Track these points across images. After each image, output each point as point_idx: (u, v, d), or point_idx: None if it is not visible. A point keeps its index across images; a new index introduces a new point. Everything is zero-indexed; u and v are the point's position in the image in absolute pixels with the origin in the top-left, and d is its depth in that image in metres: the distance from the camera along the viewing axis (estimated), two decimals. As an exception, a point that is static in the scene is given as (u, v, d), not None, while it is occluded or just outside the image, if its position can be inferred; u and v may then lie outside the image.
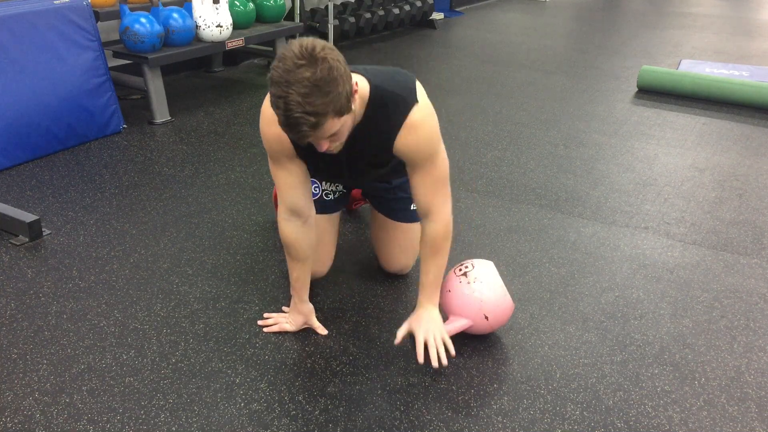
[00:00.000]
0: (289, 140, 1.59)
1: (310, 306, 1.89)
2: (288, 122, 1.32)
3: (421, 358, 1.67)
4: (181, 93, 4.04)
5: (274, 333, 1.88)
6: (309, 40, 1.32)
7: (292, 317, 1.89)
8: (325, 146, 1.43)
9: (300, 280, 1.83)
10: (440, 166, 1.64)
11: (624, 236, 2.48)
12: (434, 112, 1.62)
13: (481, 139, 3.43)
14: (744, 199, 2.82)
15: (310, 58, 1.29)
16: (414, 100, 1.56)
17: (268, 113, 1.59)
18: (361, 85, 1.52)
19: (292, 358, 1.79)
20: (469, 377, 1.74)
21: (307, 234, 1.78)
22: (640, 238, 2.47)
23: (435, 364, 1.67)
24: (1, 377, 1.68)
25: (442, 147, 1.65)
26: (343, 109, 1.35)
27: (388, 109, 1.55)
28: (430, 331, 1.71)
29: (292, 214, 1.73)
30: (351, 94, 1.37)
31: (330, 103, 1.31)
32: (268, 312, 1.96)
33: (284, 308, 1.97)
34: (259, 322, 1.92)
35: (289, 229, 1.75)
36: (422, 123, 1.57)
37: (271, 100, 1.33)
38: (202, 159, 3.07)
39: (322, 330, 1.89)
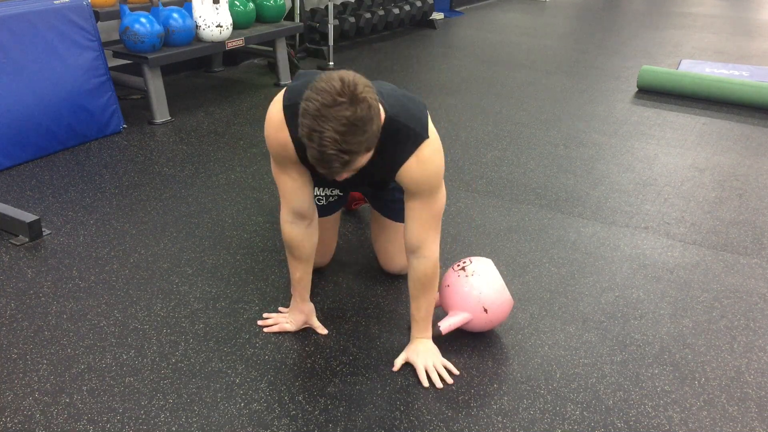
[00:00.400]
0: (293, 147, 1.59)
1: (311, 306, 1.90)
2: (322, 158, 1.31)
3: (425, 383, 1.70)
4: (181, 93, 4.04)
5: (274, 333, 1.88)
6: (351, 76, 1.31)
7: (293, 317, 1.89)
8: (344, 176, 1.43)
9: (303, 280, 1.83)
10: (438, 201, 1.65)
11: (624, 236, 2.48)
12: (442, 149, 1.63)
13: (481, 139, 3.43)
14: (744, 199, 2.82)
15: (352, 96, 1.28)
16: (425, 135, 1.57)
17: (275, 119, 1.59)
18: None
19: (292, 358, 1.79)
20: (469, 377, 1.74)
21: (312, 236, 1.79)
22: (640, 238, 2.47)
23: (439, 384, 1.70)
24: (1, 377, 1.68)
25: (443, 185, 1.66)
26: (372, 145, 1.37)
27: (400, 140, 1.55)
28: (429, 359, 1.74)
29: (296, 216, 1.74)
30: (380, 128, 1.38)
31: (364, 142, 1.32)
32: (268, 312, 1.97)
33: (281, 308, 1.97)
34: (259, 322, 1.92)
35: (293, 231, 1.76)
36: (431, 159, 1.58)
37: (302, 131, 1.31)
38: (202, 159, 3.07)
39: (322, 330, 1.89)
